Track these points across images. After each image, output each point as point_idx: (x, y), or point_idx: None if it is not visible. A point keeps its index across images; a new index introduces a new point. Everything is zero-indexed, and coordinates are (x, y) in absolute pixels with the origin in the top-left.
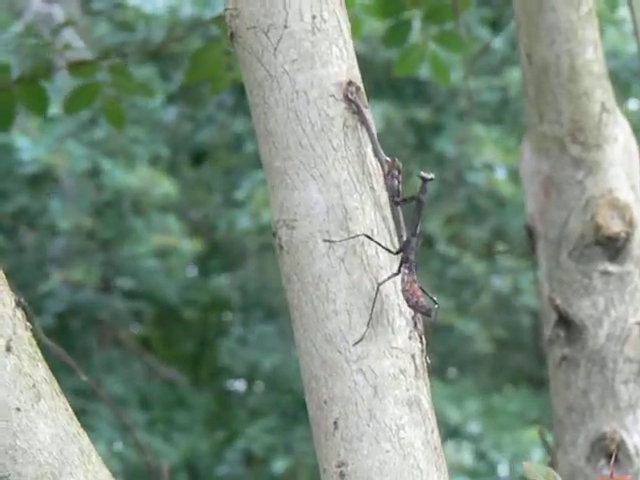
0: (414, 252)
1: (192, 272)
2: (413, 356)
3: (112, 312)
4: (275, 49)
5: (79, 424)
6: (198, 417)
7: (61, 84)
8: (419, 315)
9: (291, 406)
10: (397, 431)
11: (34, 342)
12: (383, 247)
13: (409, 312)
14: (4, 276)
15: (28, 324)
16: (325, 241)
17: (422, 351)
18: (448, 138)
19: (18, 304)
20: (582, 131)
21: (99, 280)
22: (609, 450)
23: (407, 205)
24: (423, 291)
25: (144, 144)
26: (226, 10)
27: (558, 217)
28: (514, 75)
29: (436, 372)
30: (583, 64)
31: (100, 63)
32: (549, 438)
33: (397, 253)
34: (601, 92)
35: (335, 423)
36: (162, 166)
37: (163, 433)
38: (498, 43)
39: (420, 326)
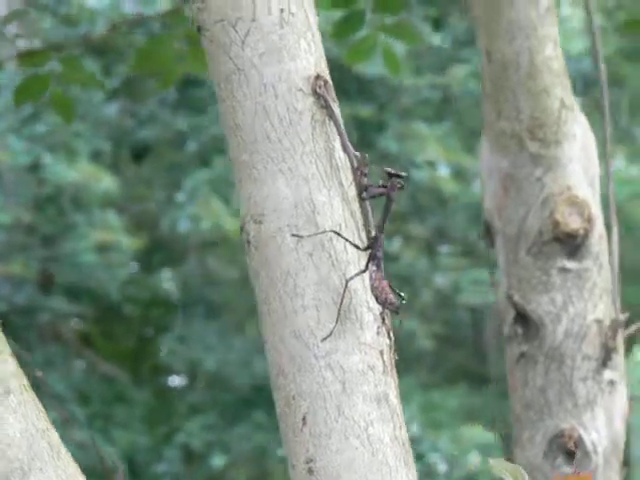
0: (382, 249)
1: (133, 268)
2: (381, 352)
3: (52, 308)
4: (243, 42)
5: (47, 419)
6: (137, 413)
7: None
8: (387, 311)
9: (231, 404)
10: (366, 427)
11: (3, 337)
12: (351, 243)
13: (377, 308)
14: None
15: None
16: (293, 236)
17: (390, 347)
18: (391, 135)
19: None
20: (541, 128)
21: (39, 275)
22: (567, 447)
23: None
24: (391, 288)
25: (85, 139)
26: (193, 3)
27: (517, 214)
28: (457, 73)
29: None
30: (543, 61)
31: (51, 53)
32: (490, 434)
33: (365, 249)
34: (560, 89)
35: (304, 419)
36: (103, 162)
37: (102, 429)
38: (442, 41)
39: (388, 322)
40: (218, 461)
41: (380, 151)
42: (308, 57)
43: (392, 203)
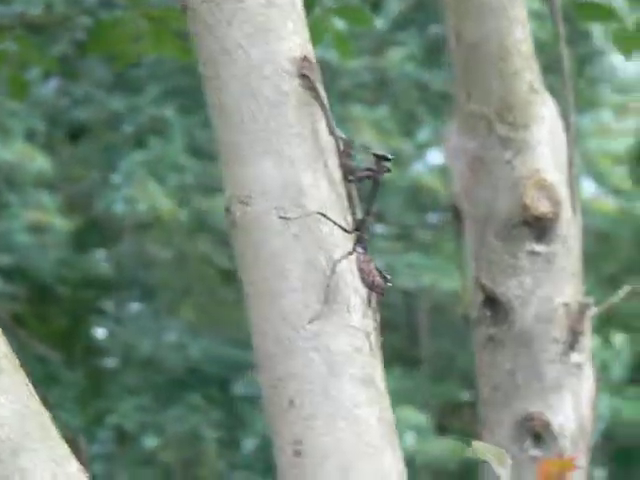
0: (368, 231)
1: (67, 249)
2: (368, 334)
3: None
4: (229, 23)
5: (39, 400)
6: (70, 394)
7: None
8: (373, 293)
9: (165, 386)
10: (352, 409)
11: None
12: (339, 225)
13: (363, 290)
14: None
15: None
16: (280, 217)
17: (376, 329)
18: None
19: None
20: (510, 111)
21: None
22: (535, 430)
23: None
24: (377, 270)
25: (20, 118)
26: None
27: (485, 197)
28: (394, 56)
29: None
30: (513, 43)
31: (7, 32)
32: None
33: (352, 232)
34: (529, 72)
35: (291, 401)
36: (38, 141)
37: None
38: (379, 24)
39: (374, 304)
40: (151, 442)
41: None
42: (294, 38)
43: (379, 186)
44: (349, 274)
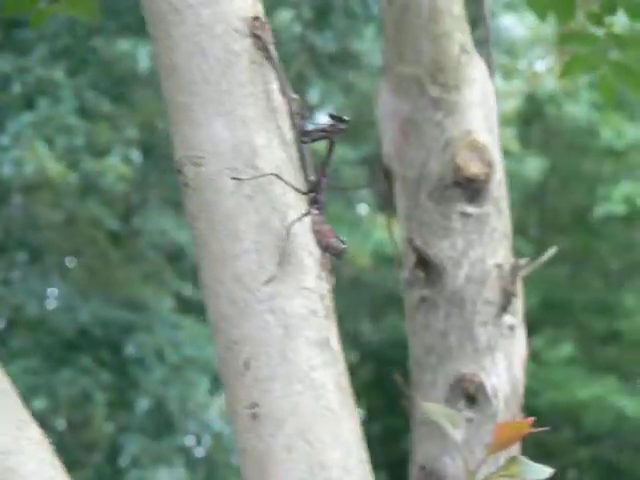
0: (324, 193)
1: None
2: (322, 296)
3: None
4: None
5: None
6: None
7: None
8: (327, 255)
9: (54, 348)
10: (309, 372)
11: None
12: (293, 187)
13: (317, 252)
14: None
15: None
16: (233, 179)
17: (329, 292)
18: None
19: None
20: (442, 72)
21: None
22: (468, 391)
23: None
24: (333, 232)
25: None
26: None
27: (417, 158)
28: (283, 17)
29: (199, 312)
30: (444, 4)
31: None
32: None
33: (307, 193)
34: (460, 33)
35: (246, 364)
36: None
37: None
38: None
39: (328, 266)
40: (40, 404)
41: None
42: None
43: (334, 146)
44: (303, 236)
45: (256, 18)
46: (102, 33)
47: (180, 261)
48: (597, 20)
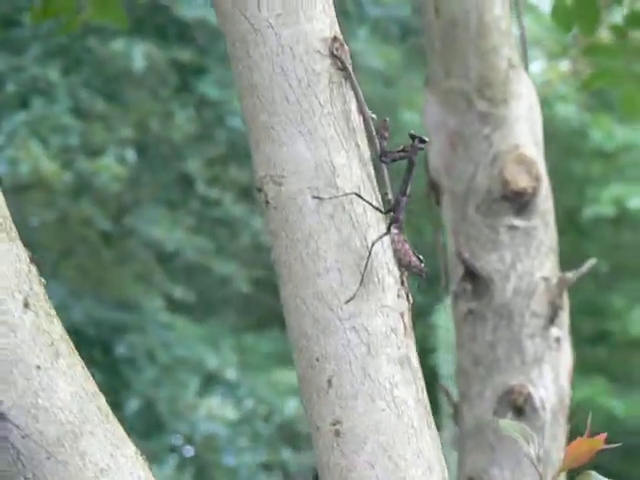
0: (403, 212)
1: None
2: (402, 314)
3: None
4: (259, 3)
5: (94, 382)
6: None
7: None
8: (405, 274)
9: None
10: (391, 389)
11: (48, 298)
12: (373, 206)
13: (396, 271)
14: (16, 231)
15: (42, 280)
16: (314, 198)
17: (409, 309)
18: (211, 81)
19: (32, 260)
20: (489, 87)
21: None
22: (516, 403)
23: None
24: (412, 251)
25: None
26: None
27: (465, 171)
28: None
29: (191, 313)
30: (492, 20)
31: None
32: None
33: (387, 212)
34: (508, 48)
35: (329, 381)
36: None
37: None
38: None
39: (406, 284)
40: None
41: (199, 96)
42: (324, 18)
43: (414, 166)
44: (383, 254)
45: (335, 39)
46: (96, 32)
47: (172, 262)
48: (621, 33)
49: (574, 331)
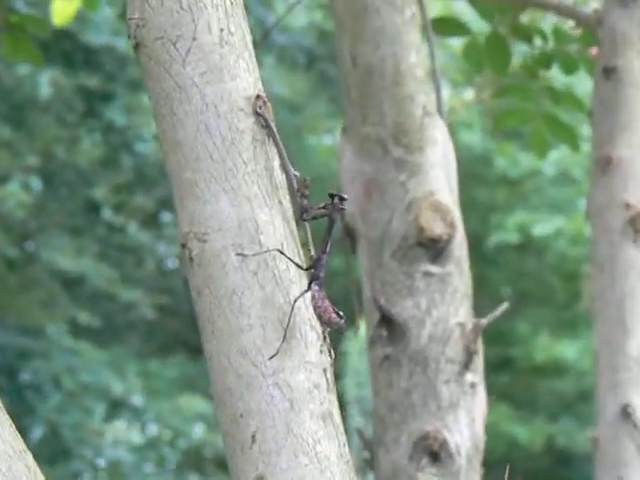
0: (324, 269)
1: None
2: (324, 370)
3: None
4: (184, 61)
5: (22, 441)
6: None
7: None
8: (327, 330)
9: None
10: (314, 445)
11: None
12: (295, 263)
13: (318, 326)
14: None
15: None
16: (238, 255)
17: (331, 365)
18: (118, 107)
19: None
20: (405, 134)
21: None
22: (432, 449)
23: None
24: (333, 308)
25: None
26: (130, 19)
27: (380, 218)
28: None
29: (96, 338)
30: (407, 68)
31: None
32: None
33: (308, 269)
34: (423, 96)
35: (253, 436)
36: None
37: None
38: None
39: (328, 340)
40: None
41: (106, 122)
42: (247, 77)
43: (334, 224)
44: (305, 310)
45: (258, 97)
46: (2, 58)
47: (77, 288)
48: (532, 73)
49: None
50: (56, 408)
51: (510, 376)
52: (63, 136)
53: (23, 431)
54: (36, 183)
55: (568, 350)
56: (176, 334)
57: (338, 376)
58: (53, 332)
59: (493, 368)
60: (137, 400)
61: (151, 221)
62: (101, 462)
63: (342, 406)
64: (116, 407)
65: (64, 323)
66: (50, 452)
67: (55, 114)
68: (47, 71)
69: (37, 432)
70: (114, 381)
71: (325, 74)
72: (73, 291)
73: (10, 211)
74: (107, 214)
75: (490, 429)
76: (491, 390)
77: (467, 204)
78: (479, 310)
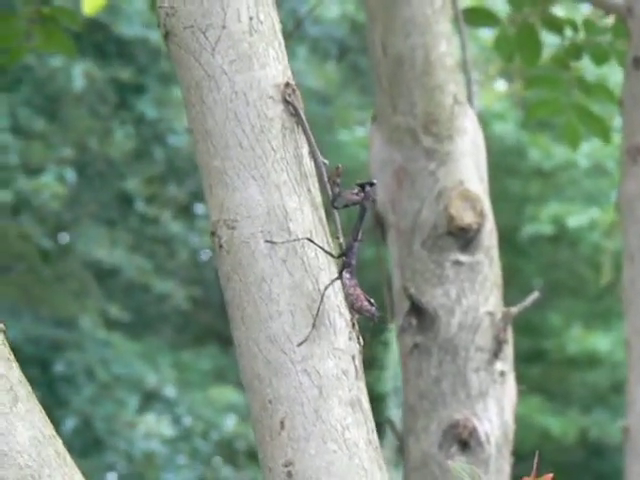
0: (355, 257)
1: None
2: (353, 357)
3: None
4: (213, 49)
5: (52, 426)
6: None
7: None
8: (357, 316)
9: None
10: (343, 431)
11: (7, 343)
12: (325, 250)
13: (348, 313)
14: None
15: (1, 325)
16: (267, 242)
17: (360, 352)
18: (150, 99)
19: None
20: (435, 123)
21: None
22: (461, 437)
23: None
24: (364, 295)
25: None
26: (160, 8)
27: (410, 207)
28: None
29: (130, 330)
30: (437, 57)
31: None
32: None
33: (339, 257)
34: (453, 85)
35: (282, 422)
36: None
37: None
38: None
39: (357, 327)
40: None
41: (138, 115)
42: (277, 65)
43: (366, 212)
44: (334, 297)
45: (287, 84)
46: (35, 50)
47: (110, 279)
48: (562, 64)
49: None
50: (89, 400)
51: (543, 368)
52: (96, 128)
53: (56, 423)
54: (70, 175)
55: (601, 342)
56: (209, 325)
57: (382, 367)
58: (87, 324)
59: (525, 360)
60: (170, 392)
61: (184, 213)
62: (135, 453)
63: (382, 397)
64: (149, 399)
65: (97, 315)
66: (83, 443)
67: (88, 106)
68: (80, 63)
69: (70, 424)
70: (147, 373)
71: (357, 66)
72: (107, 282)
73: (45, 203)
74: (140, 206)
75: (522, 421)
76: (523, 381)
77: (500, 195)
78: (511, 301)
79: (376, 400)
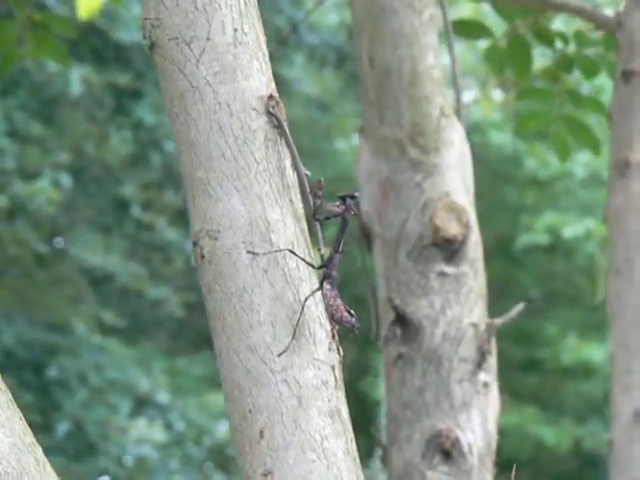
0: (336, 268)
1: None
2: (333, 367)
3: None
4: (198, 61)
5: (32, 434)
6: None
7: None
8: (336, 327)
9: None
10: (321, 441)
11: None
12: (306, 262)
13: (328, 324)
14: None
15: None
16: (249, 252)
17: (340, 362)
18: (147, 105)
19: None
20: (422, 135)
21: None
22: (444, 447)
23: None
24: (344, 306)
25: None
26: (146, 19)
27: (396, 218)
28: None
29: (124, 336)
30: (424, 69)
31: None
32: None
33: (319, 268)
34: (440, 97)
35: (261, 432)
36: None
37: None
38: None
39: (337, 338)
40: None
41: (135, 120)
42: (260, 77)
43: (347, 224)
44: (315, 308)
45: (271, 96)
46: (28, 57)
47: (105, 285)
48: (553, 76)
49: (505, 358)
50: (82, 404)
51: (538, 378)
52: (93, 133)
53: (49, 427)
54: (66, 180)
55: (596, 352)
56: (203, 332)
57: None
58: (80, 329)
59: (521, 369)
60: (162, 397)
61: (180, 219)
62: (127, 458)
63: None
64: (142, 404)
65: (92, 320)
66: (75, 448)
67: (85, 111)
68: (77, 68)
69: (63, 428)
70: (140, 378)
71: (355, 73)
72: (101, 288)
73: (40, 207)
74: (136, 211)
75: (517, 431)
76: (518, 391)
77: (496, 204)
78: (506, 311)
79: (370, 407)
